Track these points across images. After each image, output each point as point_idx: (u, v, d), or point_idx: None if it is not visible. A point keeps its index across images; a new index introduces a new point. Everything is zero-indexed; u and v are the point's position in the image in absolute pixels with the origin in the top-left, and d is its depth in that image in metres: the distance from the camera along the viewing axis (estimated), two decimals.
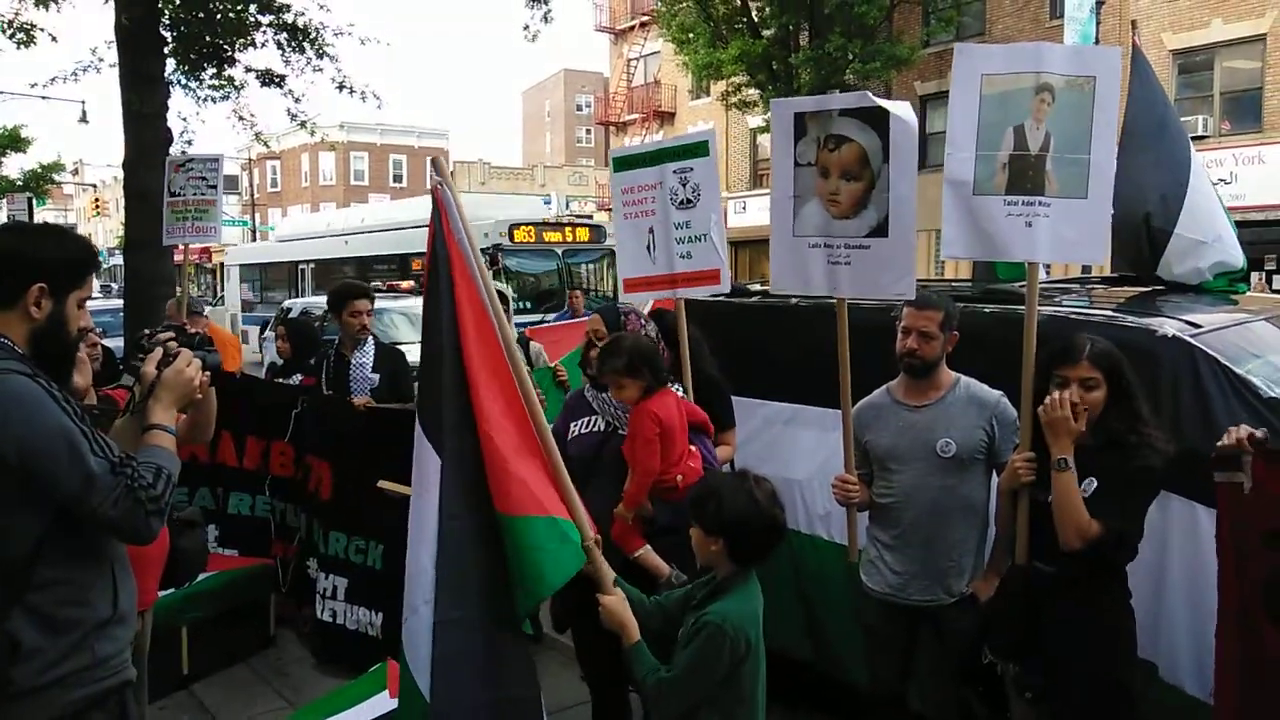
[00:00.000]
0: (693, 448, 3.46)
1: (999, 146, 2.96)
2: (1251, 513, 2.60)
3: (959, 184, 2.99)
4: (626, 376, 3.34)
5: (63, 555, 2.10)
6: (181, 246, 6.25)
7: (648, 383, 3.36)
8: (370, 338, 5.46)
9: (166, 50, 9.26)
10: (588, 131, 53.66)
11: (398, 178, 50.58)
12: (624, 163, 4.20)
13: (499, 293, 2.77)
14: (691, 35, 20.79)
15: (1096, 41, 16.78)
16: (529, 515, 2.48)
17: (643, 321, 3.69)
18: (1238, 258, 4.30)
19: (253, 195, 50.25)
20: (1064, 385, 2.83)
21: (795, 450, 4.25)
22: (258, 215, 50.55)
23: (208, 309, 9.43)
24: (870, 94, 3.28)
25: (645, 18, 30.99)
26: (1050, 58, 2.93)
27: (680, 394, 3.66)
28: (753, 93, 21.01)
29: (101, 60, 9.81)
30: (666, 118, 32.80)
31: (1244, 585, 2.62)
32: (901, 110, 3.18)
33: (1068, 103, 2.92)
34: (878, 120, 3.18)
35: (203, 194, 6.02)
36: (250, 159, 45.20)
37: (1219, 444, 2.65)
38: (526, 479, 2.52)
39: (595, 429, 3.63)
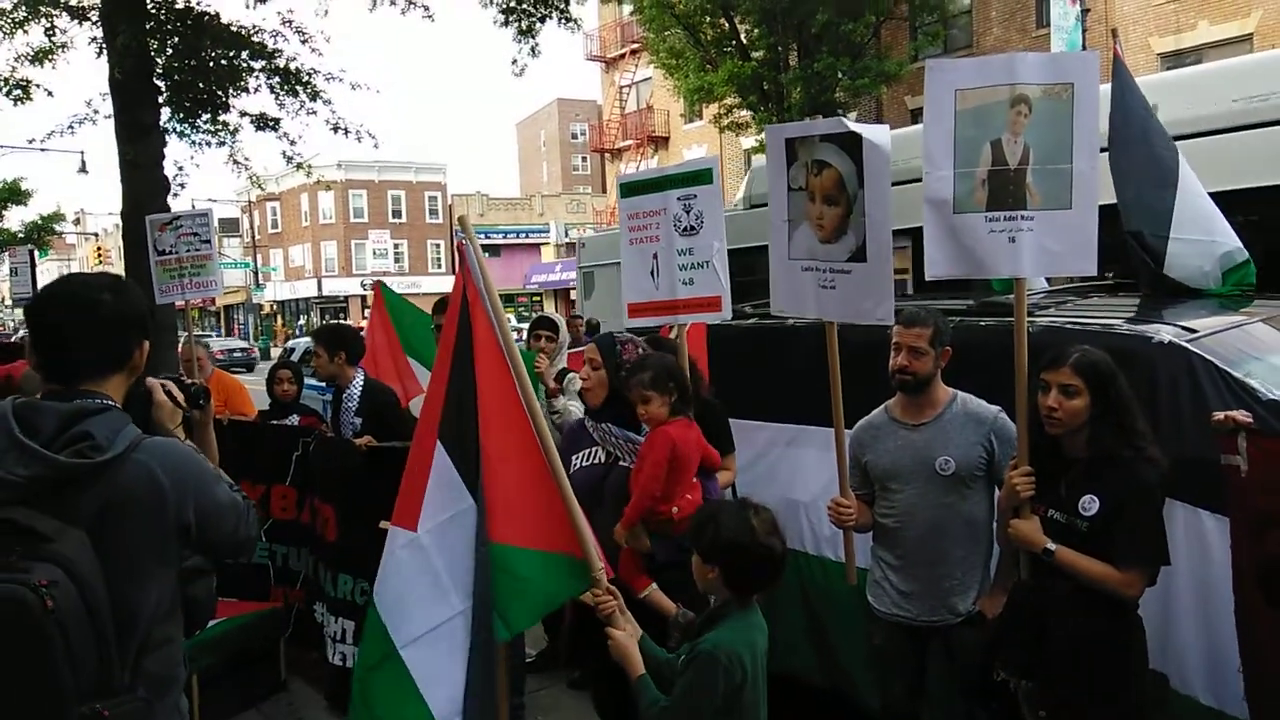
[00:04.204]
0: (696, 481, 3.43)
1: (977, 163, 2.92)
2: (1247, 496, 2.60)
3: (939, 203, 2.96)
4: (652, 389, 3.32)
5: (167, 613, 2.01)
6: (183, 301, 6.26)
7: (674, 400, 3.36)
8: (359, 375, 5.28)
9: (161, 100, 9.34)
10: (583, 159, 53.95)
11: (397, 213, 50.85)
12: (630, 188, 4.21)
13: None
14: (681, 60, 20.93)
15: (1083, 49, 16.83)
16: (521, 547, 2.58)
17: (640, 350, 3.65)
18: (1240, 250, 4.28)
19: (254, 237, 50.65)
20: (1046, 390, 2.86)
21: (799, 471, 4.23)
22: (259, 256, 50.95)
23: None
24: (844, 119, 3.28)
25: (635, 45, 31.25)
26: (1024, 68, 2.89)
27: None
28: (745, 114, 21.09)
29: (97, 112, 9.91)
30: (661, 142, 33.03)
31: (1242, 569, 2.65)
32: (874, 134, 3.16)
33: (1046, 112, 2.87)
34: (852, 145, 3.17)
35: (197, 249, 6.02)
36: (250, 201, 45.60)
37: (1213, 418, 2.68)
38: (526, 512, 2.59)
39: (596, 461, 3.60)
